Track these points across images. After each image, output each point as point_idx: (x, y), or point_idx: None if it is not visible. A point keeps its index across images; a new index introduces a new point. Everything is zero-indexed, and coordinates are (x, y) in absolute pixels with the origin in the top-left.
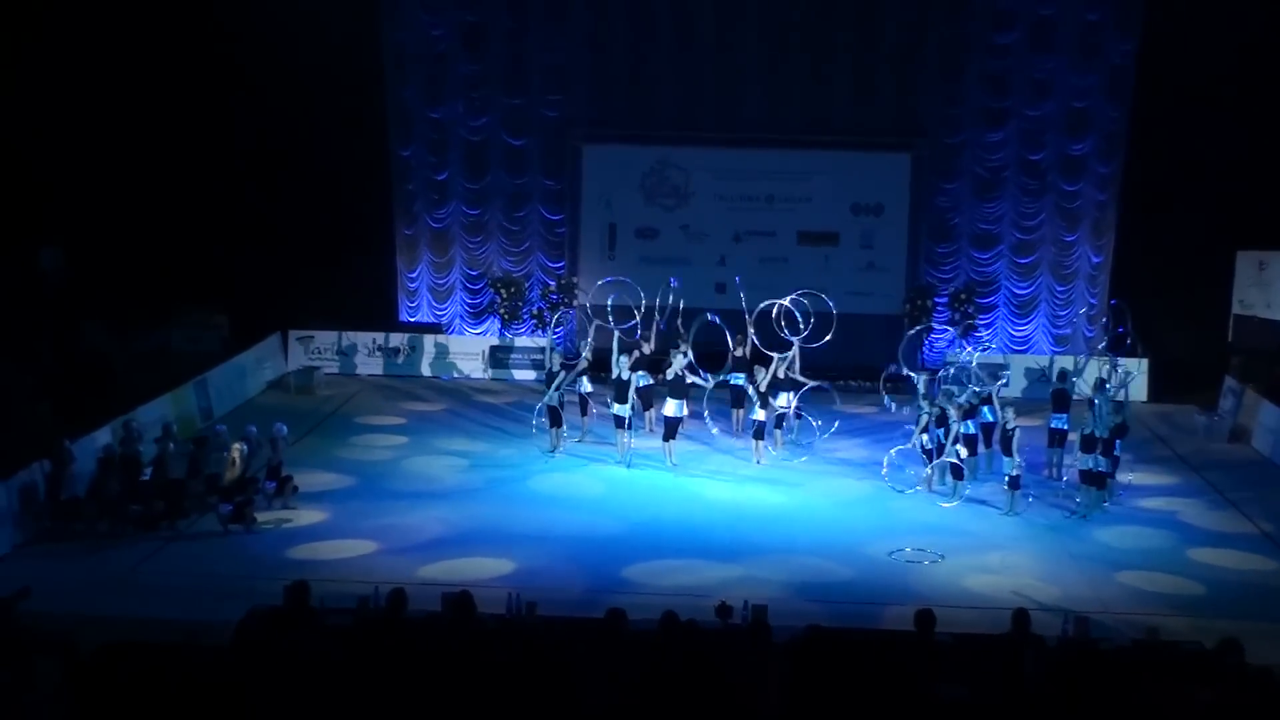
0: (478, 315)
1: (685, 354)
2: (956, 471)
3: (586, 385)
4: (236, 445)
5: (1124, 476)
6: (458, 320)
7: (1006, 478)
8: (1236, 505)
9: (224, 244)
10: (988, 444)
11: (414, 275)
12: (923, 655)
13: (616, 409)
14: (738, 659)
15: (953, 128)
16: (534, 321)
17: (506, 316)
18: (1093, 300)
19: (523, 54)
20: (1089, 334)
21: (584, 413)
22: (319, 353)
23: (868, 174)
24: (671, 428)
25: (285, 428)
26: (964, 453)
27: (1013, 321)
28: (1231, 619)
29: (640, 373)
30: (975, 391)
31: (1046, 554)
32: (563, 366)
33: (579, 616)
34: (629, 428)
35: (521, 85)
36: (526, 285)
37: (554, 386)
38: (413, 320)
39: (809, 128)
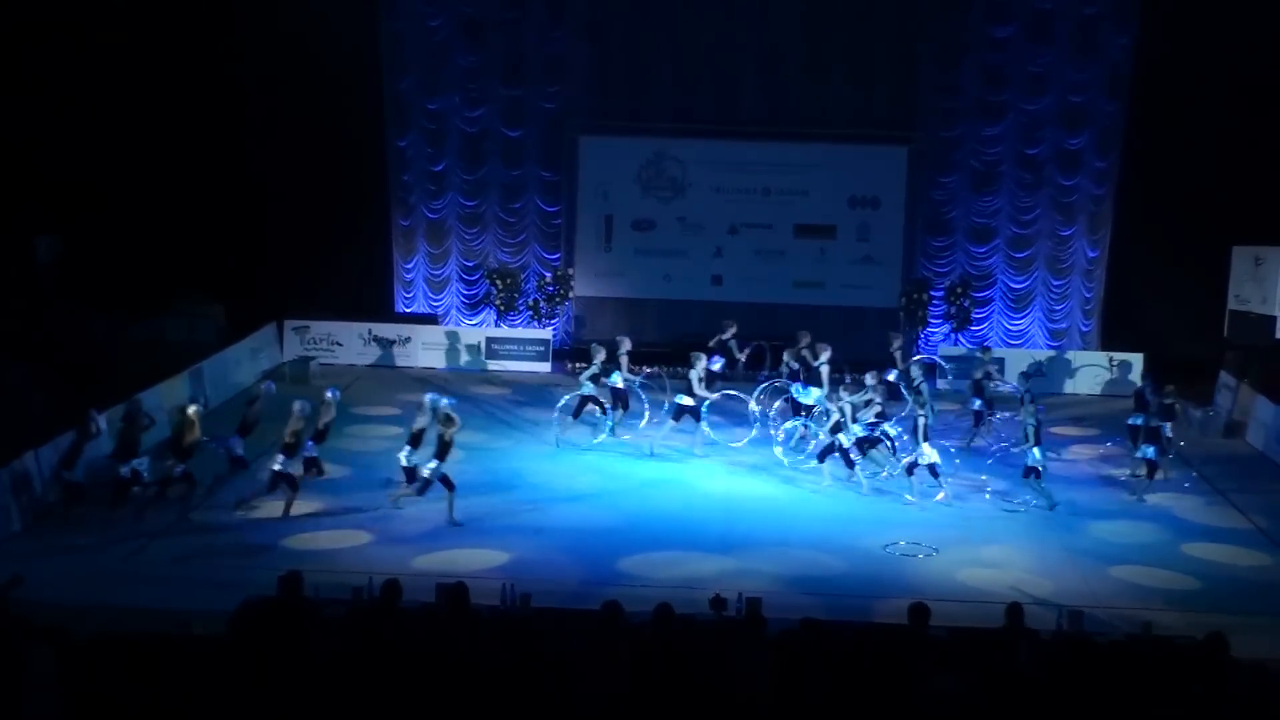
0: (474, 306)
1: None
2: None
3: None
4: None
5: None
6: (454, 311)
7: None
8: (1231, 500)
9: (220, 234)
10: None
11: (410, 266)
12: (917, 648)
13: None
14: (732, 651)
15: (950, 121)
16: (530, 313)
17: (503, 308)
18: (1088, 294)
19: (520, 45)
20: (1084, 329)
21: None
22: (314, 343)
23: (864, 167)
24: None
25: (273, 385)
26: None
27: (1008, 315)
28: (1226, 614)
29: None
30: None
31: (1041, 548)
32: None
33: (574, 608)
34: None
35: (519, 77)
36: (523, 277)
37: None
38: (408, 311)
39: (806, 120)
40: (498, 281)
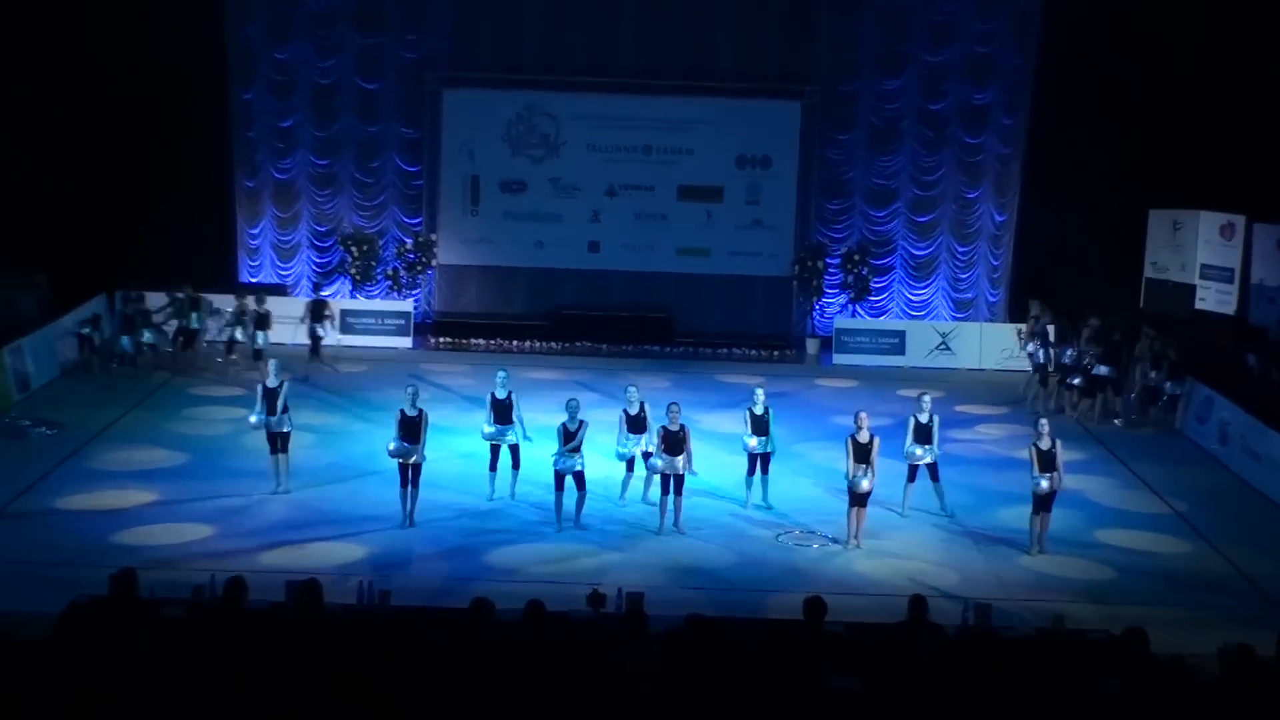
0: (326, 275)
1: None
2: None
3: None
4: None
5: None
6: (304, 281)
7: None
8: (1147, 483)
9: (44, 195)
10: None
11: (256, 232)
12: (812, 645)
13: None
14: (611, 651)
15: (847, 74)
16: (389, 283)
17: (358, 277)
18: (995, 262)
19: None
20: (992, 299)
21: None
22: None
23: (754, 123)
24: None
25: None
26: None
27: (910, 285)
28: (1142, 605)
29: None
30: None
31: (946, 536)
32: None
33: (439, 606)
34: None
35: (375, 23)
36: (380, 243)
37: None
38: (254, 281)
39: (690, 72)
40: (353, 248)
